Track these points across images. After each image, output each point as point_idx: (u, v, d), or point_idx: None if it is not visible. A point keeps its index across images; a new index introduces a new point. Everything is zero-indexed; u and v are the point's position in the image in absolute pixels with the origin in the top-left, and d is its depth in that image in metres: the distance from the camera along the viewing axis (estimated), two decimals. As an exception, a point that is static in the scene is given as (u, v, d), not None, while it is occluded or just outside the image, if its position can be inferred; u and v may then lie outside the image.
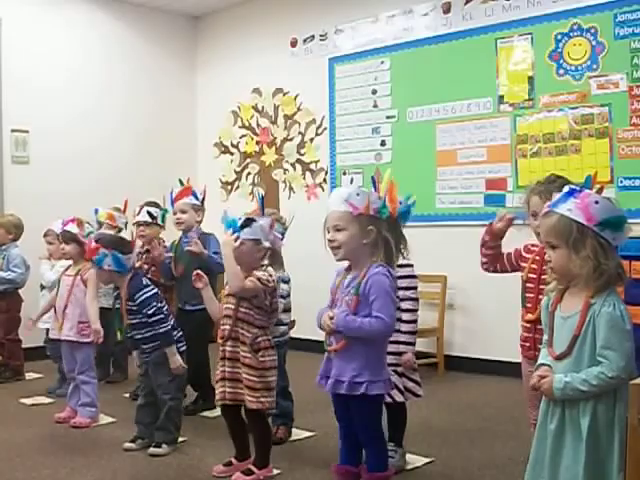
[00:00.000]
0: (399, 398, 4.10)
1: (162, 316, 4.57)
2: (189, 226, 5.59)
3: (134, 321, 4.61)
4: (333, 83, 8.05)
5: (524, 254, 3.72)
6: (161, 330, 4.55)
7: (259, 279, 3.93)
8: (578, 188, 2.65)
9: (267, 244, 4.01)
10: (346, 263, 3.52)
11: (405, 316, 4.09)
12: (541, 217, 2.74)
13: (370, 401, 3.42)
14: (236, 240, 3.92)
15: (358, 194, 3.40)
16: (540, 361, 2.77)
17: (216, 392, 4.14)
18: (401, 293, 4.08)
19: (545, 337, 2.78)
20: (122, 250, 4.63)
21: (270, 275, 4.00)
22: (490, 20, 6.77)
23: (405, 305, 4.10)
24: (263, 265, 4.06)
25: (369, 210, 3.38)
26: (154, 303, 4.58)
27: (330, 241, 3.42)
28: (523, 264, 3.69)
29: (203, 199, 5.73)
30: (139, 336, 4.61)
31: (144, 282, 4.68)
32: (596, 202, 2.59)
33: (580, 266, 2.57)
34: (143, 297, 4.58)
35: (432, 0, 7.19)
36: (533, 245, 3.67)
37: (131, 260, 4.71)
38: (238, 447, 4.24)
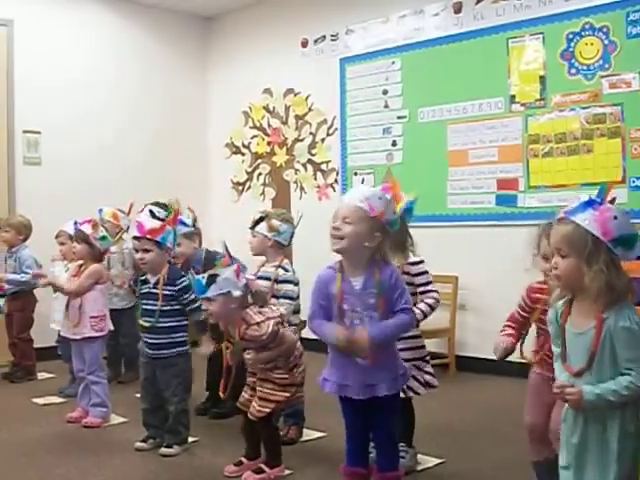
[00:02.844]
0: (422, 391, 4.14)
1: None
2: (187, 258, 5.53)
3: (167, 307, 4.61)
4: (344, 83, 8.05)
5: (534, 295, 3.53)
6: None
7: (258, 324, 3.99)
8: (598, 200, 2.59)
9: (238, 293, 3.98)
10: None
11: (427, 300, 4.16)
12: (555, 222, 2.67)
13: (391, 399, 3.45)
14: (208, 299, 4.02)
15: (380, 198, 3.39)
16: (559, 376, 2.73)
17: (242, 396, 4.25)
18: (421, 289, 4.18)
19: (557, 350, 2.75)
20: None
21: (258, 324, 3.99)
22: (501, 20, 6.75)
23: (428, 295, 4.18)
24: (248, 307, 4.06)
25: (384, 217, 3.37)
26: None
27: (335, 229, 3.37)
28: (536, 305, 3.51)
29: (194, 222, 5.69)
30: (162, 325, 4.61)
31: (182, 273, 4.77)
32: (615, 217, 2.54)
33: (592, 279, 2.53)
34: (184, 284, 4.64)
35: (443, 0, 7.18)
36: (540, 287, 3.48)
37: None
38: (250, 445, 4.26)
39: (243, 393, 4.24)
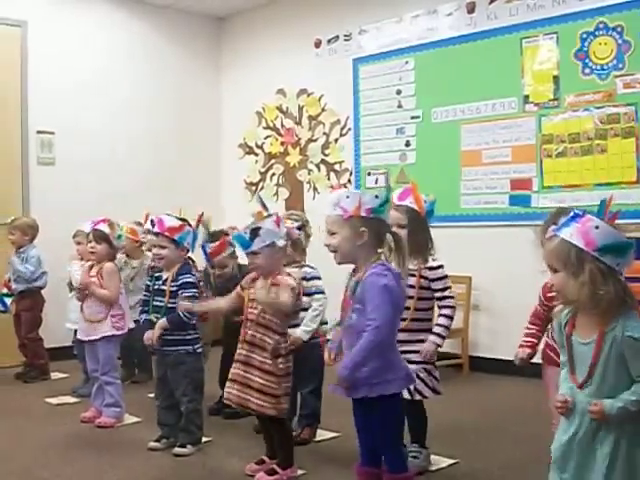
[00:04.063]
0: (429, 394, 4.12)
1: (193, 296, 4.62)
2: (231, 275, 5.51)
3: (173, 305, 4.62)
4: (357, 83, 8.04)
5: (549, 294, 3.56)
6: (182, 316, 4.57)
7: (292, 289, 3.97)
8: (581, 212, 2.60)
9: (282, 242, 4.03)
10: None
11: (444, 311, 4.16)
12: (546, 241, 2.70)
13: (387, 401, 3.40)
14: (254, 253, 4.00)
15: (348, 196, 3.39)
16: (562, 387, 2.74)
17: (225, 391, 4.17)
18: (438, 294, 4.17)
19: (563, 358, 2.76)
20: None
21: (294, 279, 4.04)
22: (515, 19, 6.73)
23: (444, 303, 4.18)
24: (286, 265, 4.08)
25: (360, 211, 3.35)
26: (192, 290, 4.64)
27: (327, 245, 3.44)
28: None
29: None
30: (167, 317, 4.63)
31: (192, 271, 4.76)
32: (596, 227, 2.54)
33: (578, 292, 2.54)
34: (185, 280, 4.65)
35: (456, 0, 7.16)
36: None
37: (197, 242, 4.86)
38: (270, 445, 4.25)
39: (226, 388, 4.15)
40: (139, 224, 6.47)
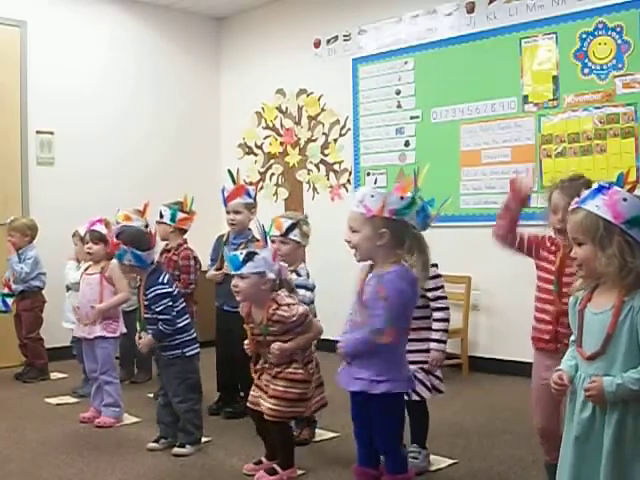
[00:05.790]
0: (426, 395, 4.11)
1: (169, 317, 4.59)
2: (243, 227, 5.48)
3: (147, 315, 4.65)
4: (357, 83, 8.04)
5: (548, 244, 3.64)
6: (161, 328, 4.57)
7: (285, 321, 3.98)
8: (607, 185, 2.59)
9: (272, 275, 4.00)
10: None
11: (437, 315, 4.13)
12: (569, 213, 2.67)
13: (387, 401, 3.41)
14: (241, 276, 4.00)
15: (373, 195, 3.38)
16: (565, 362, 2.72)
17: (251, 396, 4.21)
18: (430, 294, 4.12)
19: (572, 337, 2.74)
20: (140, 247, 4.66)
21: (288, 305, 4.00)
22: (514, 19, 6.73)
23: (436, 304, 4.15)
24: (278, 294, 4.06)
25: (383, 212, 3.34)
26: (164, 301, 4.59)
27: (347, 241, 3.44)
28: (546, 254, 3.63)
29: (255, 196, 5.71)
30: (150, 332, 4.63)
31: (161, 279, 4.68)
32: (624, 199, 2.53)
33: (606, 264, 2.52)
34: (154, 294, 4.61)
35: (456, 0, 7.16)
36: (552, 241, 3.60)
37: (151, 255, 4.75)
38: (268, 447, 4.24)
39: (252, 392, 4.20)
40: (137, 212, 6.48)
